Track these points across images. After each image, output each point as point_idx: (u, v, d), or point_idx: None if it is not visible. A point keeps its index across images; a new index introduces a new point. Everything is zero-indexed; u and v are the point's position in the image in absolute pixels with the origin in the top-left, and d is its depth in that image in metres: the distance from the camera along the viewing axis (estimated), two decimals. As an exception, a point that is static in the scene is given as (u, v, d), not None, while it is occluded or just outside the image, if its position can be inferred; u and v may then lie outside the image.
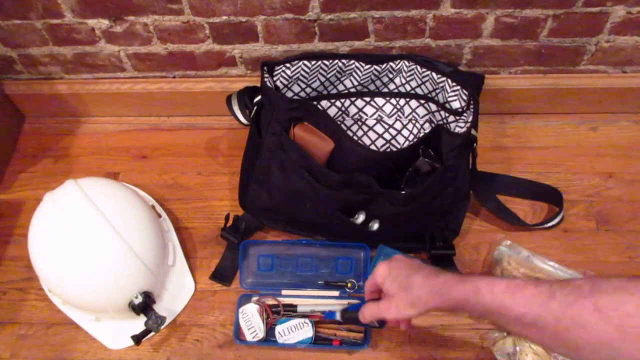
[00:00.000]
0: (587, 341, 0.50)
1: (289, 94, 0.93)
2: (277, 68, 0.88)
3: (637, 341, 0.48)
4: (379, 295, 0.72)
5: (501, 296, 0.56)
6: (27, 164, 1.09)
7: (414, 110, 0.95)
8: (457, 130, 0.86)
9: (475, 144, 0.87)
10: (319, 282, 0.90)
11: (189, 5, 0.90)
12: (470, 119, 0.83)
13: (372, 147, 0.96)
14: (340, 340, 0.85)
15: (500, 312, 0.57)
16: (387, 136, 0.97)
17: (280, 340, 0.84)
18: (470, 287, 0.59)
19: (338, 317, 0.80)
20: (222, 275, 0.93)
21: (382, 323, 0.72)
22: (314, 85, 0.93)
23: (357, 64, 0.91)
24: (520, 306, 0.55)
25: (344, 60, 0.91)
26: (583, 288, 0.51)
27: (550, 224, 0.95)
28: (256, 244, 0.93)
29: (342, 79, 0.94)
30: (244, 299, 0.89)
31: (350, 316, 0.78)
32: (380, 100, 0.96)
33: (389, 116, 0.97)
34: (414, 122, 0.96)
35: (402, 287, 0.66)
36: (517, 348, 0.81)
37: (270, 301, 0.89)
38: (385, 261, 0.70)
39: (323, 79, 0.93)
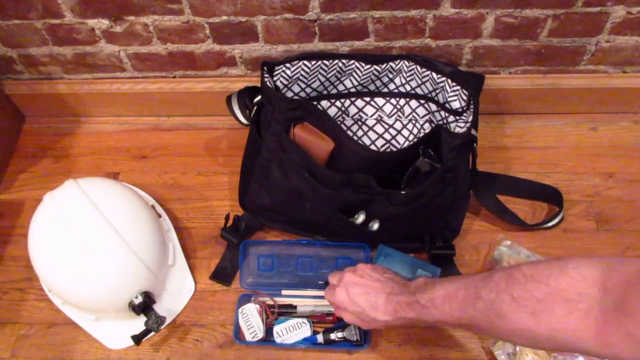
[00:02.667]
0: (512, 330, 0.56)
1: (289, 94, 0.93)
2: (277, 68, 0.88)
3: (548, 323, 0.53)
4: None
5: (442, 306, 0.63)
6: (27, 164, 1.09)
7: (414, 110, 0.95)
8: (457, 130, 0.86)
9: (475, 144, 0.87)
10: (319, 282, 0.90)
11: (189, 5, 0.90)
12: (470, 119, 0.83)
13: (372, 147, 0.96)
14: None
15: (446, 320, 0.63)
16: (387, 136, 0.97)
17: (278, 340, 0.84)
18: (417, 305, 0.65)
19: (320, 339, 0.84)
20: (222, 275, 0.93)
21: (366, 339, 0.79)
22: (314, 85, 0.93)
23: (357, 64, 0.91)
24: (457, 311, 0.61)
25: (344, 60, 0.91)
26: (500, 283, 0.57)
27: (550, 224, 0.95)
28: (256, 244, 0.93)
29: (342, 79, 0.94)
30: (244, 299, 0.89)
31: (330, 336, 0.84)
32: (380, 100, 0.96)
33: (389, 116, 0.97)
34: (414, 122, 0.96)
35: (365, 321, 0.71)
36: (517, 348, 0.81)
37: (270, 301, 0.89)
38: (343, 287, 0.73)
39: (323, 79, 0.93)
